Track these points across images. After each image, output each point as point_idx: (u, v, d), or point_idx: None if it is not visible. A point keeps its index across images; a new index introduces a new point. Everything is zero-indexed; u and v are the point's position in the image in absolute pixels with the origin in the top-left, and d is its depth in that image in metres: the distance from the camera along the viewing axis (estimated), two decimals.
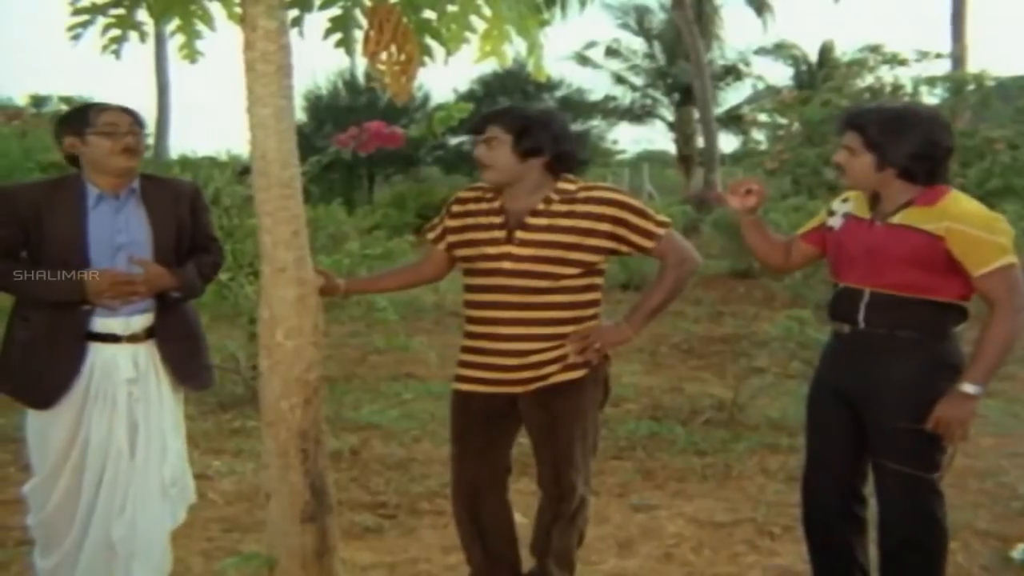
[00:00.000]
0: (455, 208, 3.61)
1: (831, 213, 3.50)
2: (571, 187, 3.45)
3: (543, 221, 3.40)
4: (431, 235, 3.70)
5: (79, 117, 3.50)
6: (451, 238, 3.59)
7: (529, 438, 3.55)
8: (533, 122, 3.41)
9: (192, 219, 3.66)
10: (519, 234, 3.40)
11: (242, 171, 7.62)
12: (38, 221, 3.41)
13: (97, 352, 3.46)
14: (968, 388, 3.16)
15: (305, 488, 3.22)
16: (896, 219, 3.25)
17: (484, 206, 3.51)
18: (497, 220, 3.46)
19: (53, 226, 3.41)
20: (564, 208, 3.41)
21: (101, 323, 3.47)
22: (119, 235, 3.48)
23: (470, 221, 3.53)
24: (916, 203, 3.23)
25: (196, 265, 3.64)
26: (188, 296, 3.64)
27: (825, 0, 49.27)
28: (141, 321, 3.52)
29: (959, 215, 3.17)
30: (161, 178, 3.78)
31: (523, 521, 3.78)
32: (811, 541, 3.59)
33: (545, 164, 3.43)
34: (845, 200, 3.49)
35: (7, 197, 3.49)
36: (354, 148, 6.46)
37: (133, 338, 3.51)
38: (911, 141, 3.21)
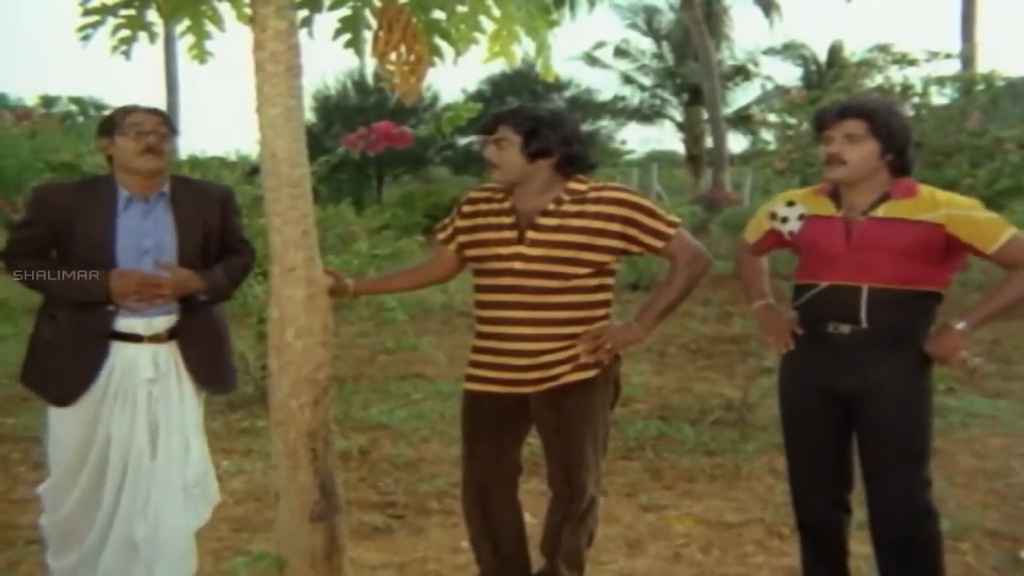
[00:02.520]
0: (466, 208, 3.61)
1: (783, 220, 3.51)
2: (582, 187, 3.45)
3: (554, 221, 3.40)
4: (441, 235, 3.70)
5: (111, 119, 3.54)
6: (462, 238, 3.60)
7: (540, 438, 3.55)
8: (543, 123, 3.40)
9: (222, 222, 3.66)
10: (530, 234, 3.40)
11: (251, 171, 7.65)
12: (69, 221, 3.44)
13: (118, 351, 3.48)
14: (959, 325, 3.28)
15: (314, 488, 3.22)
16: (880, 213, 3.31)
17: (495, 206, 3.51)
18: (508, 220, 3.46)
19: (83, 227, 3.44)
20: (575, 208, 3.41)
21: (124, 323, 3.48)
22: (146, 239, 3.49)
23: (481, 221, 3.53)
24: (894, 196, 3.31)
25: (225, 268, 3.64)
26: (216, 299, 3.65)
27: (835, 0, 49.13)
28: (164, 322, 3.53)
29: (950, 202, 3.30)
30: (193, 180, 3.81)
31: (532, 521, 3.78)
32: (806, 539, 3.63)
33: (554, 165, 3.43)
34: (791, 204, 3.52)
35: (40, 197, 3.56)
36: (363, 148, 6.47)
37: (155, 338, 3.52)
38: (903, 129, 3.34)
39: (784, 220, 3.51)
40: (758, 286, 3.72)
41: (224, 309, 3.80)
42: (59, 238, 3.48)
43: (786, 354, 3.56)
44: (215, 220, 3.64)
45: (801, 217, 3.45)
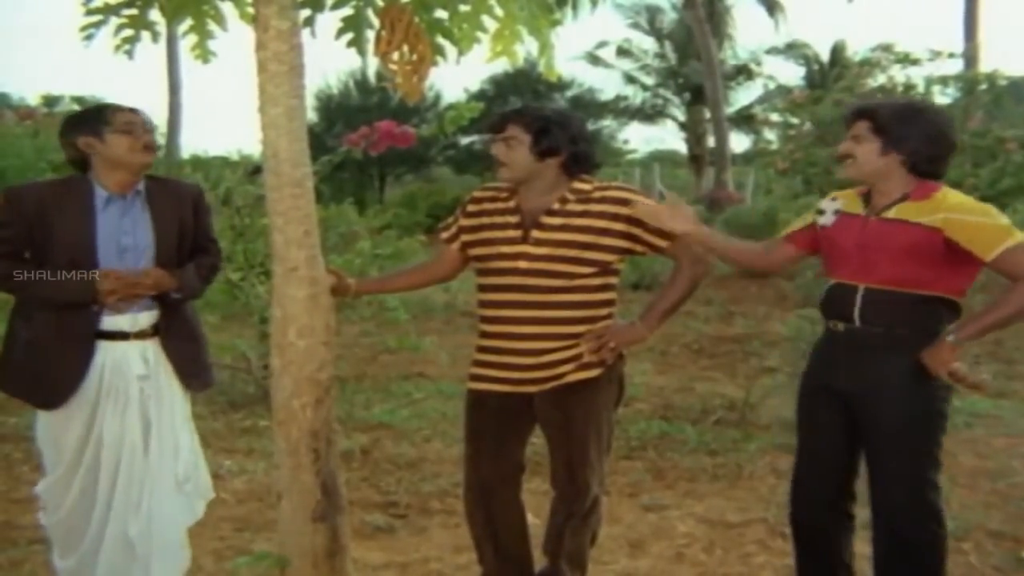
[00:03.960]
0: (470, 208, 3.61)
1: (820, 212, 3.52)
2: (586, 187, 3.45)
3: (558, 220, 3.40)
4: (444, 234, 3.70)
5: (96, 117, 3.49)
6: (465, 237, 3.60)
7: (544, 437, 3.55)
8: (552, 122, 3.41)
9: (194, 220, 3.67)
10: (535, 233, 3.41)
11: (253, 171, 7.64)
12: (45, 221, 3.42)
13: (108, 350, 3.47)
14: (950, 337, 3.20)
15: (316, 487, 3.22)
16: (890, 214, 3.29)
17: (500, 205, 3.52)
18: (513, 220, 3.46)
19: (61, 226, 3.42)
20: (579, 208, 3.41)
21: (109, 321, 3.48)
22: (124, 236, 3.49)
23: (485, 220, 3.53)
24: (910, 198, 3.28)
25: (196, 267, 3.65)
26: (188, 297, 3.65)
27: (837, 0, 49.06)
28: (148, 318, 3.54)
29: (953, 206, 3.23)
30: (165, 179, 3.80)
31: (535, 521, 3.78)
32: (798, 539, 3.61)
33: (561, 164, 3.44)
34: (834, 199, 3.52)
35: (14, 197, 3.50)
36: (365, 148, 6.47)
37: (141, 335, 3.52)
38: (919, 128, 3.27)
39: (822, 213, 3.51)
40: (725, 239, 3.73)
41: (196, 309, 3.80)
42: (34, 239, 3.44)
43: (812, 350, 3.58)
44: (188, 219, 3.65)
45: (836, 212, 3.45)
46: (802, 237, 3.59)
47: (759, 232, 14.21)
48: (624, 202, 3.42)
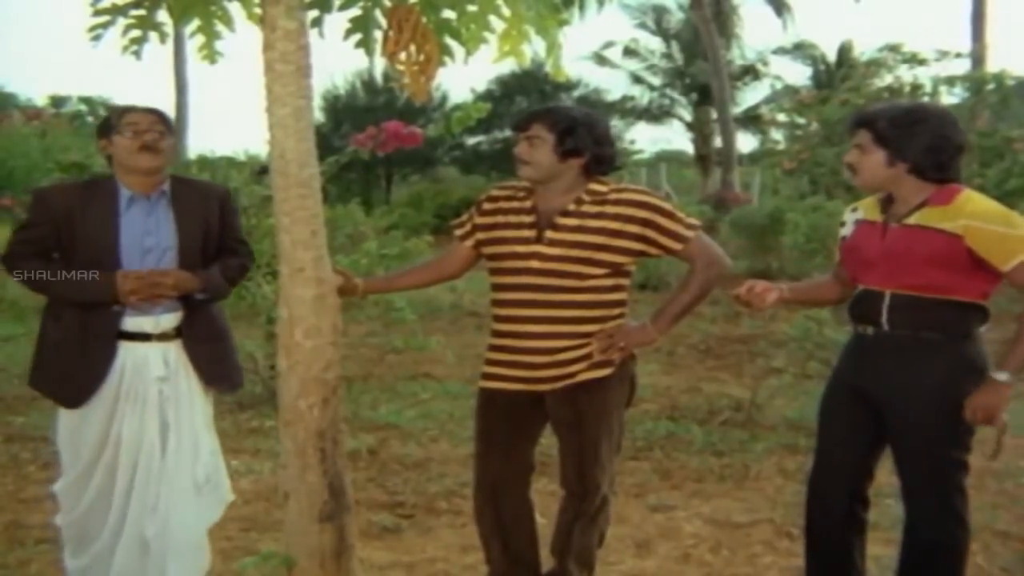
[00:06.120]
0: (486, 206, 3.62)
1: (842, 225, 3.52)
2: (603, 188, 3.46)
3: (573, 221, 3.41)
4: (459, 231, 3.70)
5: (110, 119, 3.56)
6: (480, 235, 3.60)
7: (555, 435, 3.55)
8: (578, 123, 3.42)
9: (221, 222, 3.68)
10: (549, 234, 3.41)
11: (260, 171, 7.66)
12: (71, 222, 3.45)
13: (128, 351, 3.49)
14: (999, 375, 3.16)
15: (323, 488, 3.23)
16: (912, 220, 3.25)
17: (516, 204, 3.52)
18: (528, 219, 3.47)
19: (86, 227, 3.45)
20: (594, 209, 3.42)
21: (132, 322, 3.50)
22: (148, 237, 3.51)
23: (500, 219, 3.54)
24: (930, 203, 3.24)
25: (222, 267, 3.65)
26: (214, 298, 3.66)
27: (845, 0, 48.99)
28: (171, 320, 3.55)
29: (975, 213, 3.17)
30: (192, 180, 3.84)
31: (541, 521, 3.78)
32: (810, 539, 3.59)
33: (583, 165, 3.44)
34: (855, 209, 3.52)
35: (41, 198, 3.57)
36: (372, 148, 6.48)
37: (163, 336, 3.54)
38: (921, 136, 3.22)
39: (843, 225, 3.52)
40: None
41: (223, 309, 3.81)
42: (61, 239, 3.48)
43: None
44: (214, 219, 3.66)
45: (856, 223, 3.45)
46: (841, 256, 3.58)
47: (765, 232, 14.21)
48: (639, 204, 3.42)
